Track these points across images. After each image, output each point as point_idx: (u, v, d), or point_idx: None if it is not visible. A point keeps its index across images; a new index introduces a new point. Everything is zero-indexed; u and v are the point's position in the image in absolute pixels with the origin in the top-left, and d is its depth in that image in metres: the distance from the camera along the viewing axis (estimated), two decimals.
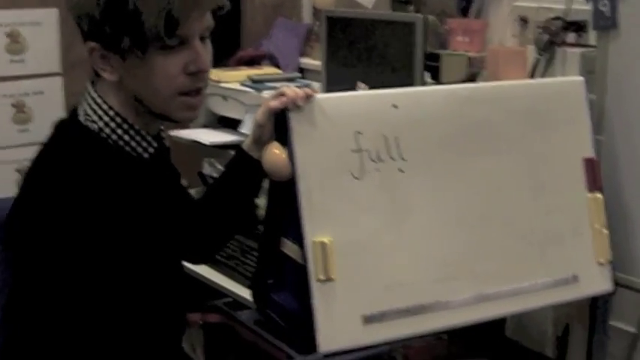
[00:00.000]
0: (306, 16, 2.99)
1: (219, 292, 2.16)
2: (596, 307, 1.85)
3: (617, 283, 1.77)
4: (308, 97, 1.44)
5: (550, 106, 1.68)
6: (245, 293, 1.70)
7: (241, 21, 3.02)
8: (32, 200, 1.38)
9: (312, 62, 2.70)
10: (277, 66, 2.83)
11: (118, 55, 1.35)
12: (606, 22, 1.77)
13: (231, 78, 2.59)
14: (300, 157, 1.44)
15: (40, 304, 1.37)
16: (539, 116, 1.66)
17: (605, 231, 1.70)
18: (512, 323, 2.07)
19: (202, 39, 1.40)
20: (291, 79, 2.63)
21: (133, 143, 1.42)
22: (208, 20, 1.40)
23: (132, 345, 1.42)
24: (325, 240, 1.44)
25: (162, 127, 1.51)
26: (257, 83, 2.49)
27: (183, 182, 2.54)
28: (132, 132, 1.42)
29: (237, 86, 2.54)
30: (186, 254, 1.65)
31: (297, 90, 1.46)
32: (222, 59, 2.93)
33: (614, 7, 1.75)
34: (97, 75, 1.41)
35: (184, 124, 2.77)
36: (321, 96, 1.48)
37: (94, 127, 1.40)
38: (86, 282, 1.34)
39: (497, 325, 2.01)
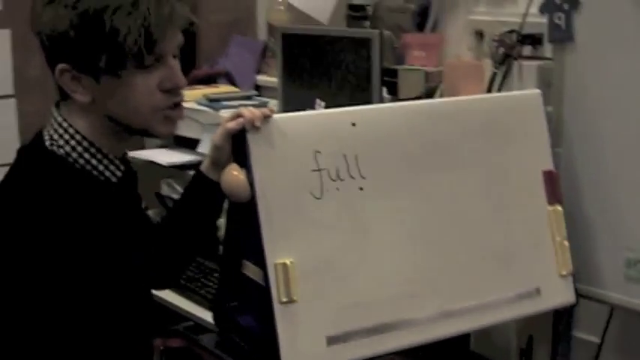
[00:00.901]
0: (262, 33, 2.98)
1: (180, 315, 2.13)
2: (560, 319, 1.85)
3: (579, 294, 1.77)
4: (265, 118, 1.43)
5: (508, 119, 1.68)
6: (207, 316, 1.68)
7: (196, 39, 3.00)
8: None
9: (269, 79, 2.69)
10: (234, 84, 2.81)
11: (91, 77, 1.34)
12: (562, 35, 1.78)
13: (187, 97, 2.56)
14: (259, 179, 1.42)
15: (8, 326, 1.34)
16: (498, 130, 1.66)
17: (566, 243, 1.70)
18: (476, 336, 2.07)
19: (174, 56, 1.40)
20: (247, 97, 2.61)
21: (101, 167, 1.40)
22: (180, 38, 1.40)
23: None
24: (287, 261, 1.42)
25: (126, 151, 1.49)
26: (213, 102, 2.47)
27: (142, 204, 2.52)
28: (99, 156, 1.40)
29: (194, 105, 2.51)
30: (150, 280, 1.62)
31: (255, 110, 1.44)
32: None
33: (570, 20, 1.76)
34: (63, 97, 1.39)
35: (140, 143, 2.77)
36: (278, 116, 1.46)
37: (61, 152, 1.38)
38: (51, 307, 1.32)
39: (461, 339, 2.01)
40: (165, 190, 2.57)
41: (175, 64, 1.39)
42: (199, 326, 2.02)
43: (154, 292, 1.83)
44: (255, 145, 1.43)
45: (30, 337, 1.32)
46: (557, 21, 1.78)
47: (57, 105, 1.42)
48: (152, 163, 2.51)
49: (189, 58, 3.05)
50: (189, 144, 2.61)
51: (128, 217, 1.46)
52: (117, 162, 1.43)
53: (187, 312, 2.10)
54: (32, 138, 1.41)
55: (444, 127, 1.60)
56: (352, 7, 2.51)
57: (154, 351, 2.04)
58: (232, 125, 1.44)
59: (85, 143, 1.39)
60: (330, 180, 1.48)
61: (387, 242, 1.53)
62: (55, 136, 1.39)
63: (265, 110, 1.44)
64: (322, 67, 2.25)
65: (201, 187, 1.54)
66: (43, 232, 1.31)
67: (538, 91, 1.74)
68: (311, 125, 1.49)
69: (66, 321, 1.33)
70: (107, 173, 1.41)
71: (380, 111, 1.59)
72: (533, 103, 1.72)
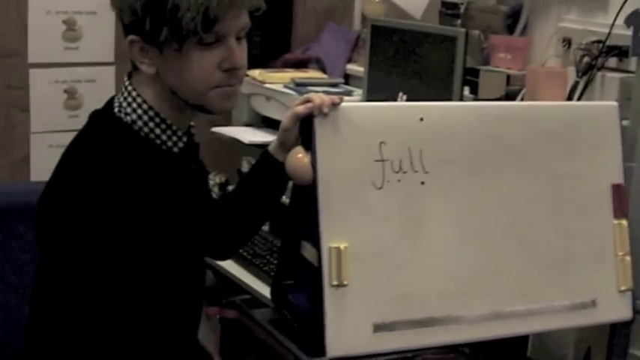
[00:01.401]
0: (357, 23, 3.01)
1: (241, 289, 2.19)
2: (616, 334, 1.83)
3: (637, 311, 1.76)
4: (334, 105, 1.47)
5: (581, 129, 1.67)
6: (267, 292, 1.73)
7: (292, 24, 3.05)
8: (62, 188, 1.42)
9: (358, 69, 2.71)
10: (324, 70, 2.85)
11: (156, 48, 1.39)
12: None
13: (275, 79, 2.63)
14: (321, 163, 1.47)
15: (63, 290, 1.41)
16: (569, 139, 1.66)
17: (628, 258, 1.69)
18: (534, 343, 2.07)
19: (238, 39, 1.43)
20: (334, 85, 2.65)
21: (164, 137, 1.46)
22: (244, 20, 1.43)
23: (149, 334, 1.45)
24: (341, 246, 1.46)
25: (192, 124, 1.55)
26: (299, 86, 2.51)
27: (221, 178, 2.59)
28: (163, 126, 1.46)
29: (281, 88, 2.57)
30: (208, 250, 1.68)
31: (324, 97, 1.48)
32: (270, 61, 2.97)
33: None
34: (135, 68, 1.46)
35: (228, 121, 2.84)
36: (347, 104, 1.50)
37: (127, 119, 1.45)
38: (108, 270, 1.38)
39: (519, 344, 2.01)
40: (245, 167, 2.63)
41: (237, 45, 1.42)
42: (257, 300, 2.08)
43: (219, 262, 1.90)
44: (322, 131, 1.47)
45: (86, 296, 1.39)
46: None
47: (129, 75, 1.48)
48: (235, 140, 2.58)
49: (283, 41, 3.11)
50: (274, 125, 2.66)
51: (188, 187, 1.51)
52: (180, 133, 1.48)
53: (248, 286, 2.16)
54: (104, 104, 1.49)
55: (513, 130, 1.61)
56: (445, 5, 2.52)
57: (210, 318, 2.11)
58: (301, 109, 1.48)
59: (151, 113, 1.45)
60: (393, 172, 1.51)
61: (443, 238, 1.55)
62: (124, 104, 1.45)
63: (334, 98, 1.48)
64: (407, 61, 2.27)
65: (267, 166, 1.59)
66: (104, 195, 1.37)
67: (615, 103, 1.72)
68: (378, 116, 1.52)
69: (120, 281, 1.39)
70: (169, 143, 1.47)
71: (449, 108, 1.60)
72: (609, 114, 1.70)
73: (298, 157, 1.49)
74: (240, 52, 1.43)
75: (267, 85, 2.62)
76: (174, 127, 1.47)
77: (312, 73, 2.78)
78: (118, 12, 1.42)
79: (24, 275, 1.87)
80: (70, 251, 1.39)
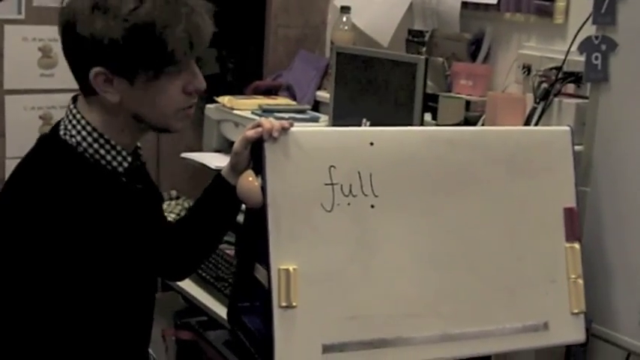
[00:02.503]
0: (328, 51, 3.04)
1: (199, 309, 2.20)
2: (570, 357, 1.85)
3: (596, 336, 1.77)
4: (284, 129, 1.50)
5: (533, 153, 1.70)
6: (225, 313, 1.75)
7: (264, 52, 3.09)
8: (7, 208, 1.45)
9: (327, 96, 2.75)
10: (294, 97, 2.88)
11: (125, 79, 1.43)
12: (597, 75, 1.79)
13: (243, 106, 2.66)
14: (271, 186, 1.49)
15: (12, 306, 1.43)
16: (521, 163, 1.68)
17: (581, 281, 1.71)
18: None
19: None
20: (300, 111, 2.68)
21: (109, 157, 1.49)
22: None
23: (97, 350, 1.48)
24: (290, 268, 1.48)
25: (138, 145, 1.58)
26: (266, 112, 2.54)
27: (189, 202, 2.60)
28: (107, 146, 1.48)
29: (248, 114, 2.60)
30: (162, 271, 1.71)
31: (274, 121, 1.51)
32: (241, 88, 3.01)
33: (606, 60, 1.77)
34: (86, 94, 1.48)
35: (199, 146, 2.88)
36: (296, 129, 1.52)
37: (72, 141, 1.47)
38: (55, 287, 1.41)
39: None
40: None
41: (197, 68, 1.49)
42: (214, 322, 2.09)
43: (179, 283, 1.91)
44: (271, 155, 1.50)
45: (34, 314, 1.41)
46: (594, 61, 1.79)
47: (74, 98, 1.51)
48: (204, 165, 2.60)
49: (255, 69, 3.15)
50: None
51: (133, 206, 1.53)
52: (124, 154, 1.51)
53: (208, 308, 2.17)
54: (51, 128, 1.52)
55: (464, 154, 1.63)
56: (411, 32, 2.56)
57: (165, 340, 2.12)
58: (251, 134, 1.51)
59: (95, 134, 1.48)
60: (343, 195, 1.54)
61: (393, 261, 1.57)
62: (69, 127, 1.48)
63: (284, 122, 1.51)
64: (370, 88, 2.30)
65: (219, 189, 1.61)
66: (50, 216, 1.40)
67: (567, 128, 1.75)
68: (328, 140, 1.55)
69: (67, 306, 1.42)
70: (114, 163, 1.50)
71: (399, 133, 1.63)
72: (562, 139, 1.73)
73: (249, 180, 1.52)
74: (201, 74, 1.50)
75: (236, 112, 2.65)
76: (118, 148, 1.50)
77: (281, 100, 2.81)
78: (87, 44, 1.42)
79: None
80: (16, 269, 1.41)
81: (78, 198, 1.43)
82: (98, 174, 1.48)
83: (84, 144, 1.47)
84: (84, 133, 1.47)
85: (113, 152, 1.49)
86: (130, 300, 1.52)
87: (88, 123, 1.48)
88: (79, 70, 1.46)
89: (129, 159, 1.52)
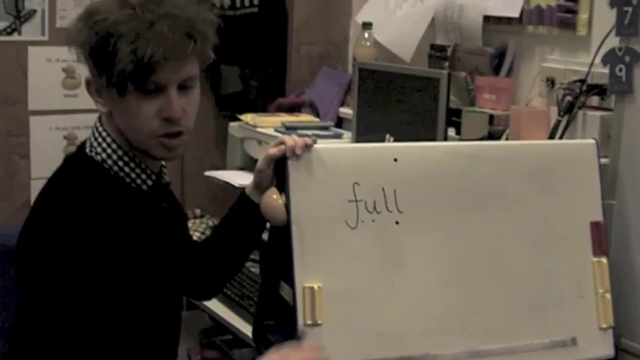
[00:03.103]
0: (351, 67, 3.04)
1: (225, 328, 2.20)
2: None
3: (625, 351, 1.75)
4: (307, 147, 1.50)
5: (559, 167, 1.69)
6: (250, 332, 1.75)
7: (287, 69, 3.10)
8: (36, 227, 1.45)
9: (350, 112, 2.74)
10: (317, 114, 2.88)
11: (115, 91, 1.41)
12: (622, 87, 1.78)
13: (266, 123, 2.66)
14: (295, 204, 1.49)
15: (39, 327, 1.42)
16: (547, 177, 1.67)
17: (609, 296, 1.69)
18: None
19: (185, 87, 1.45)
20: (324, 128, 2.67)
21: (133, 175, 1.49)
22: (189, 71, 1.45)
23: None
24: (315, 285, 1.48)
25: (163, 164, 1.57)
26: (290, 129, 2.54)
27: (214, 221, 2.60)
28: (132, 164, 1.49)
29: (271, 132, 2.60)
30: (189, 290, 1.70)
31: (297, 139, 1.51)
32: (264, 106, 3.02)
33: (630, 72, 1.76)
34: None
35: (223, 165, 2.89)
36: (320, 146, 1.52)
37: (98, 158, 1.48)
38: (82, 306, 1.40)
39: None
40: None
41: (176, 95, 1.43)
42: (240, 340, 2.09)
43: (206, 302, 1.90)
44: (295, 172, 1.50)
45: (63, 333, 1.40)
46: (618, 73, 1.78)
47: (100, 116, 1.52)
48: (228, 183, 2.60)
49: (278, 86, 3.16)
50: None
51: (158, 224, 1.53)
52: (149, 172, 1.51)
53: (233, 326, 2.17)
54: (78, 146, 1.53)
55: (488, 169, 1.63)
56: (433, 47, 2.56)
57: (191, 358, 2.12)
58: (274, 151, 1.51)
59: (120, 152, 1.48)
60: (367, 212, 1.53)
61: (419, 277, 1.56)
62: (95, 144, 1.49)
63: (307, 140, 1.51)
64: (393, 104, 2.29)
65: (243, 207, 1.62)
66: (77, 235, 1.40)
67: (592, 141, 1.74)
68: (352, 157, 1.55)
69: (93, 324, 1.41)
70: (138, 181, 1.50)
71: (422, 148, 1.62)
72: (587, 152, 1.72)
73: (272, 198, 1.52)
74: (180, 102, 1.44)
75: (259, 129, 2.65)
76: (142, 166, 1.50)
77: (304, 117, 2.81)
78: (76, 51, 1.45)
79: None
80: (45, 289, 1.41)
81: (103, 215, 1.43)
82: (124, 191, 1.48)
83: (109, 161, 1.48)
84: (109, 150, 1.48)
85: (138, 170, 1.50)
86: (156, 319, 1.52)
87: (113, 140, 1.48)
88: None
89: (153, 177, 1.52)
